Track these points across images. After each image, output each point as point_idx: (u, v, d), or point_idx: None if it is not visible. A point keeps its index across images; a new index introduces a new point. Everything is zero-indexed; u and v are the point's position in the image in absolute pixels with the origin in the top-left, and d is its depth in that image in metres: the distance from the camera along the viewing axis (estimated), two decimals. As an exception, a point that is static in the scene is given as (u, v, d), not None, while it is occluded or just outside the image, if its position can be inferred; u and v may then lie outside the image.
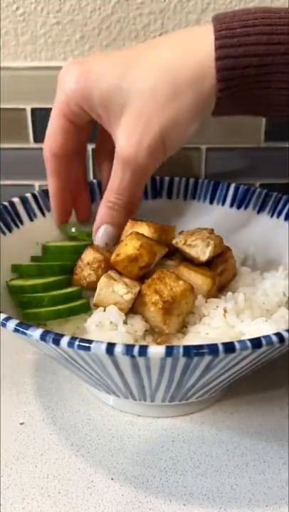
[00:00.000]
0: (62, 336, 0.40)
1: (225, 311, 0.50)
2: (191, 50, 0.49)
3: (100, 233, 0.55)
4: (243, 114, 0.53)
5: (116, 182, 0.53)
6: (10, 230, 0.60)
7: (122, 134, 0.51)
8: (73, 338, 0.39)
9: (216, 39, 0.47)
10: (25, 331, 0.41)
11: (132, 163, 0.51)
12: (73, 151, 0.58)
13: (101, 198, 0.68)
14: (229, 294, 0.53)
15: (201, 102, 0.49)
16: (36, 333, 0.40)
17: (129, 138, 0.50)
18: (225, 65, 0.47)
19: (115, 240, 0.55)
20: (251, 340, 0.39)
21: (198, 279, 0.51)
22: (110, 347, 0.38)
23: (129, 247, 0.50)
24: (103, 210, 0.55)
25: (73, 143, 0.56)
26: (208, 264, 0.54)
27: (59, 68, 0.72)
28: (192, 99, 0.49)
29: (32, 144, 0.77)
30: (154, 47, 0.51)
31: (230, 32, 0.47)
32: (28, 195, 0.64)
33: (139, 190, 0.54)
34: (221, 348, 0.38)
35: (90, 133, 0.60)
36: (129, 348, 0.38)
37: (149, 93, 0.49)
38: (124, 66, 0.50)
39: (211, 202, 0.68)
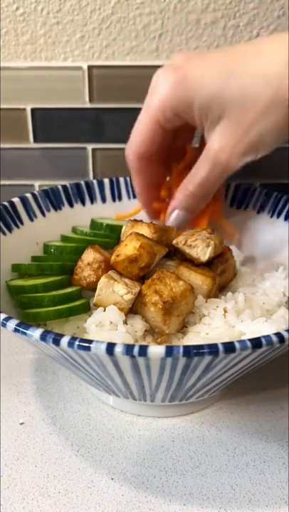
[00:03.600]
0: (62, 336, 0.40)
1: (225, 311, 0.50)
2: None
3: (173, 217, 0.58)
4: None
5: (200, 176, 0.55)
6: (10, 230, 0.60)
7: (219, 138, 0.53)
8: (73, 338, 0.39)
9: None
10: (25, 331, 0.41)
11: (223, 165, 0.53)
12: (159, 152, 0.59)
13: (102, 197, 0.69)
14: (229, 294, 0.53)
15: None
16: (36, 333, 0.40)
17: (225, 143, 0.52)
18: None
19: (185, 225, 0.59)
20: (251, 340, 0.39)
21: (199, 280, 0.51)
22: (110, 347, 0.38)
23: (129, 247, 0.50)
24: (180, 196, 0.57)
25: (160, 145, 0.58)
26: (208, 265, 0.54)
27: (59, 68, 0.73)
28: None
29: (32, 144, 0.78)
30: (255, 54, 0.51)
31: None
32: (28, 195, 0.64)
33: (218, 184, 0.56)
34: (221, 348, 0.38)
35: (176, 134, 0.61)
36: (129, 348, 0.38)
37: (250, 102, 0.50)
38: (224, 74, 0.51)
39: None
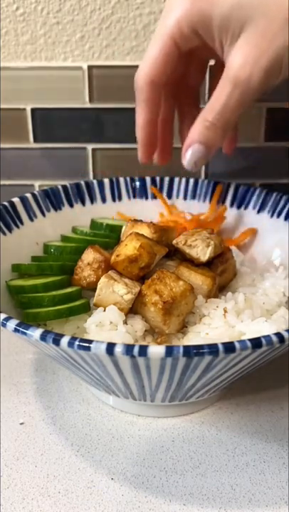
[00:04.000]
0: (62, 336, 0.40)
1: (225, 311, 0.50)
2: None
3: (190, 152, 0.53)
4: None
5: (220, 102, 0.50)
6: (10, 230, 0.60)
7: (239, 53, 0.48)
8: (73, 338, 0.39)
9: None
10: (25, 331, 0.41)
11: (245, 82, 0.49)
12: (169, 82, 0.55)
13: (102, 197, 0.69)
14: (229, 294, 0.53)
15: None
16: (36, 333, 0.40)
17: (247, 57, 0.48)
18: None
19: (203, 162, 0.54)
20: (251, 340, 0.39)
21: (199, 280, 0.51)
22: (110, 347, 0.38)
23: (129, 247, 0.50)
24: (198, 129, 0.52)
25: (172, 71, 0.54)
26: (209, 265, 0.54)
27: (59, 68, 0.73)
28: None
29: (32, 144, 0.78)
30: None
31: None
32: (28, 195, 0.64)
33: (240, 112, 0.51)
34: (221, 348, 0.38)
35: (188, 67, 0.58)
36: (129, 348, 0.38)
37: (273, 11, 0.46)
38: None
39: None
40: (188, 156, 0.53)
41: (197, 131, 0.52)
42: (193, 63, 0.57)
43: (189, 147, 0.53)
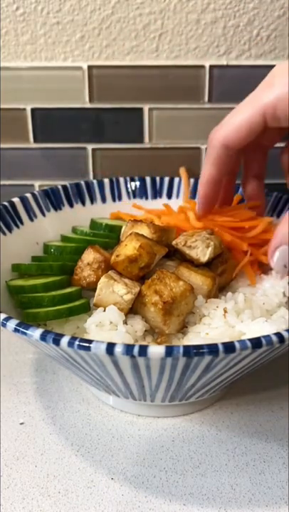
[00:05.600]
0: (62, 336, 0.40)
1: (225, 311, 0.50)
2: None
3: (277, 255, 0.49)
4: None
5: None
6: (10, 230, 0.60)
7: None
8: (73, 338, 0.39)
9: None
10: (25, 331, 0.41)
11: None
12: (244, 150, 0.54)
13: (102, 197, 0.69)
14: (229, 294, 0.53)
15: None
16: (36, 333, 0.40)
17: None
18: None
19: None
20: (251, 340, 0.39)
21: (199, 280, 0.51)
22: (110, 347, 0.38)
23: (128, 247, 0.50)
24: (286, 230, 0.48)
25: (250, 142, 0.52)
26: (208, 265, 0.54)
27: (59, 68, 0.73)
28: None
29: (32, 144, 0.78)
30: None
31: None
32: (28, 195, 0.64)
33: None
34: (221, 347, 0.38)
35: (273, 142, 0.57)
36: (129, 348, 0.38)
37: None
38: None
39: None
40: (276, 259, 0.49)
41: (284, 231, 0.48)
42: (273, 130, 0.54)
43: (276, 249, 0.49)
